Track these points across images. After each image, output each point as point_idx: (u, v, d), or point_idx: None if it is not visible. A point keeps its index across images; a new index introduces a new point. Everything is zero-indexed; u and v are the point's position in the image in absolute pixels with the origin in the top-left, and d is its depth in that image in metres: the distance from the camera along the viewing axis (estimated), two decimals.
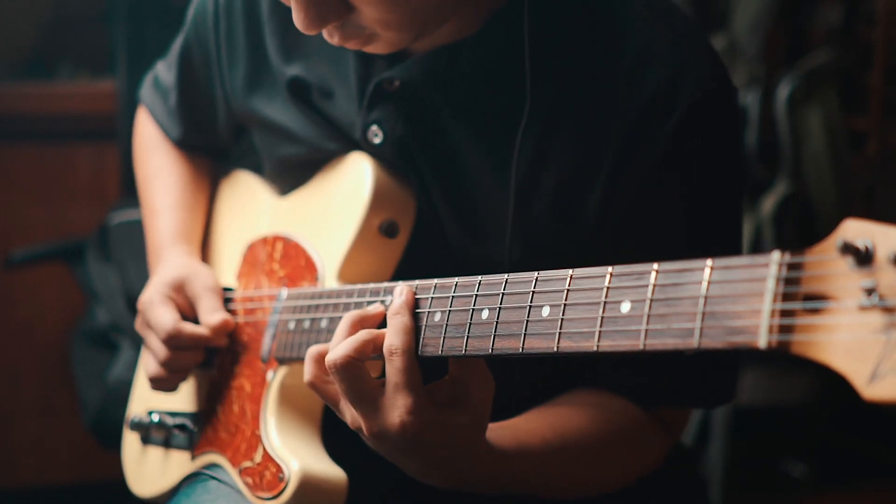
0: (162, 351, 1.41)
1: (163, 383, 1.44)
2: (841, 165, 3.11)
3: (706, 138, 1.27)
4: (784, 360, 3.19)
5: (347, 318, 1.17)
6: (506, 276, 1.08)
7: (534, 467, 1.24)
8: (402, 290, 1.16)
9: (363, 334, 1.14)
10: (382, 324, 1.18)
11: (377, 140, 1.35)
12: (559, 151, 1.28)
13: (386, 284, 1.22)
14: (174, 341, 1.40)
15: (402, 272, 1.35)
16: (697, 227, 1.29)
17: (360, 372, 1.12)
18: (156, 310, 1.43)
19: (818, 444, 3.37)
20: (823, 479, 3.26)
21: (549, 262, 1.10)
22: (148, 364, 1.45)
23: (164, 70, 1.69)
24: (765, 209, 3.04)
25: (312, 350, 1.19)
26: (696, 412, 3.01)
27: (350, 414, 1.16)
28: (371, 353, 1.13)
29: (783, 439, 3.41)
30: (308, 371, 1.19)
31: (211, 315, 1.42)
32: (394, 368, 1.11)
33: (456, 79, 1.31)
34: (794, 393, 3.24)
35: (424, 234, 1.37)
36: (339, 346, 1.13)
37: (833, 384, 3.26)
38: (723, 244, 1.31)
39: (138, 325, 1.47)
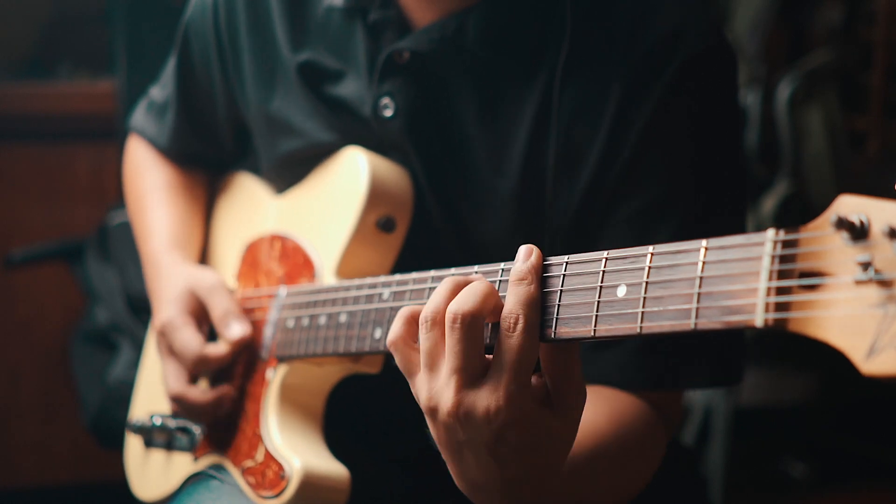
0: (178, 385, 1.40)
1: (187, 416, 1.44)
2: (841, 165, 3.11)
3: (704, 91, 1.29)
4: (784, 360, 3.19)
5: (450, 280, 1.00)
6: (501, 264, 1.06)
7: (583, 483, 1.12)
8: (528, 252, 1.00)
9: (483, 287, 0.98)
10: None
11: (388, 113, 1.35)
12: (566, 105, 1.29)
13: (383, 278, 1.22)
14: (201, 367, 1.39)
15: (400, 266, 1.34)
16: (698, 177, 1.29)
17: (481, 332, 0.97)
18: (180, 333, 1.41)
19: (818, 444, 3.37)
20: (823, 479, 3.25)
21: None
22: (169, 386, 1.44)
23: (158, 90, 1.69)
24: (765, 209, 3.04)
25: (406, 309, 1.03)
26: (697, 413, 3.00)
27: (428, 388, 0.99)
28: (489, 312, 0.98)
29: (783, 439, 3.41)
30: (396, 331, 1.02)
31: (228, 330, 1.39)
32: (510, 344, 0.96)
33: (465, 46, 1.32)
34: (794, 393, 3.24)
35: (422, 226, 1.36)
36: (463, 297, 0.97)
37: (833, 384, 3.26)
38: (722, 200, 1.31)
39: (160, 349, 1.44)
